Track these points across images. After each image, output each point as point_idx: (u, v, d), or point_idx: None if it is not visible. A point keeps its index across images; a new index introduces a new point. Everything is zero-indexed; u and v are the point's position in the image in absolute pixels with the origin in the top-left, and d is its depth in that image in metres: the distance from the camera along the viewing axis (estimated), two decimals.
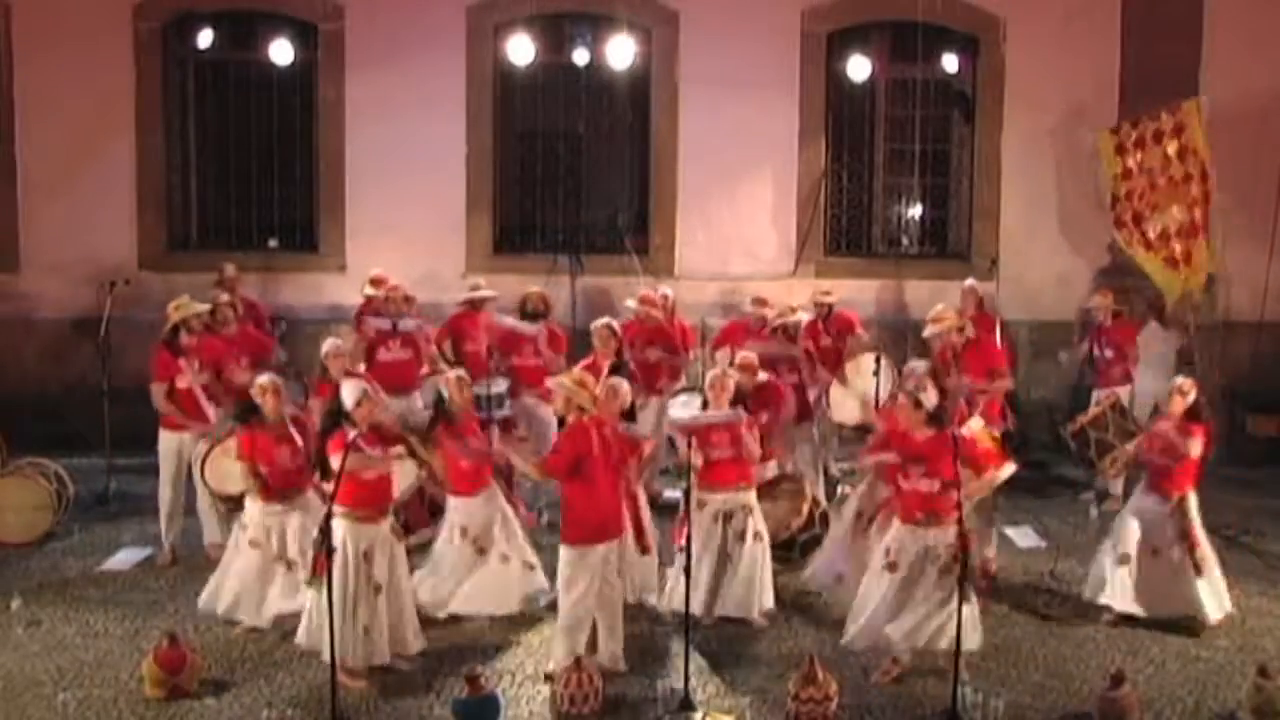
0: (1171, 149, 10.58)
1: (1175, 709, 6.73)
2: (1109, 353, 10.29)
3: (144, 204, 12.03)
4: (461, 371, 8.13)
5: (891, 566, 6.98)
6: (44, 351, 11.83)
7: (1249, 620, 7.89)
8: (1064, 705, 6.76)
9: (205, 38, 11.87)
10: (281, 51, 11.68)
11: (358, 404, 6.86)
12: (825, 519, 8.71)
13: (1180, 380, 7.88)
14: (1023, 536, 9.41)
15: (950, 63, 11.95)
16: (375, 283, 10.30)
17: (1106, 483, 9.89)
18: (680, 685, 6.66)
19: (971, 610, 6.83)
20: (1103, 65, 11.86)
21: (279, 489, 7.44)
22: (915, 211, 12.80)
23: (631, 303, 10.44)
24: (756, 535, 7.71)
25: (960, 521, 6.59)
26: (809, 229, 12.18)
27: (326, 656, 6.39)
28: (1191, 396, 7.72)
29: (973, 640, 6.84)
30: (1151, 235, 10.80)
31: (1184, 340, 10.96)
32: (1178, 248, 10.60)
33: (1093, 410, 8.96)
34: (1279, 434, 11.51)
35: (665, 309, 10.42)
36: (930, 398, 7.06)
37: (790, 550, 8.55)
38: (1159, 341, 10.94)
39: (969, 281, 10.77)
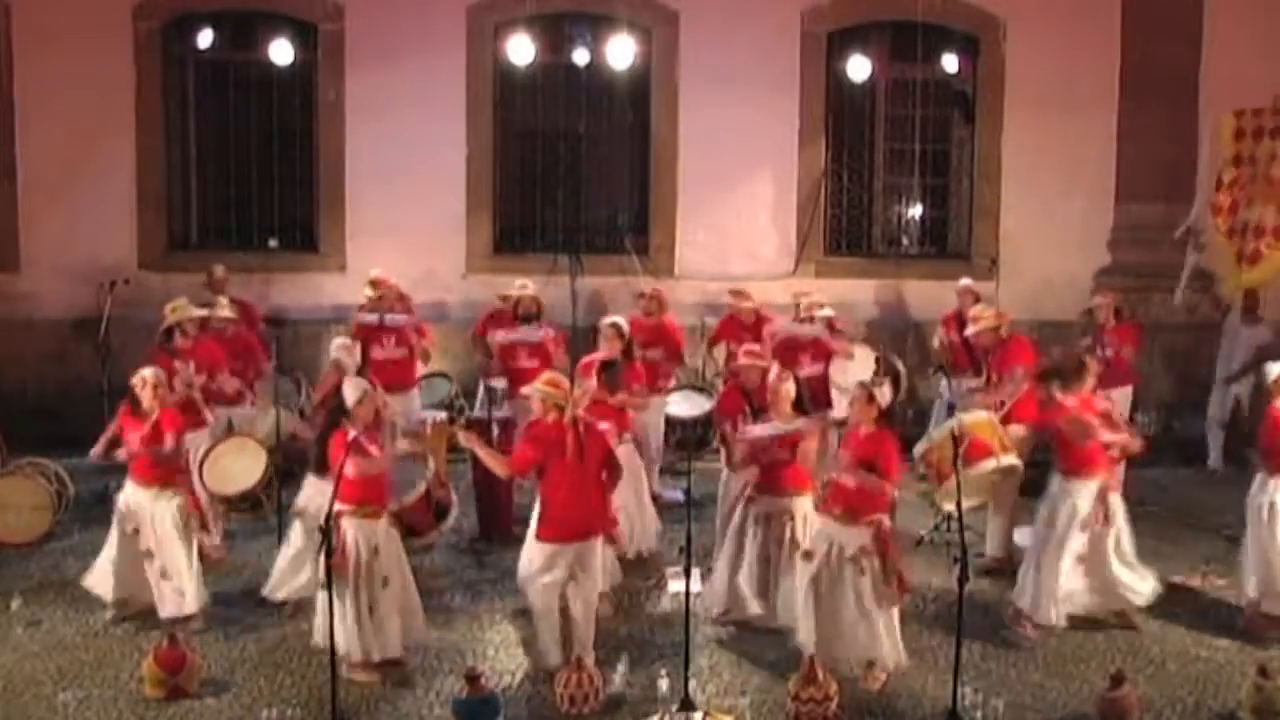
0: None
1: (1175, 709, 6.72)
2: (1109, 353, 10.27)
3: (144, 204, 12.04)
4: None
5: (807, 555, 7.00)
6: (44, 351, 11.83)
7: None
8: (1064, 705, 6.76)
9: (205, 38, 11.88)
10: (281, 51, 11.68)
11: (359, 402, 6.87)
12: None
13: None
14: (1023, 536, 9.38)
15: (950, 63, 11.95)
16: (374, 284, 10.30)
17: None
18: (680, 685, 6.65)
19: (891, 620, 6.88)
20: (1103, 65, 11.88)
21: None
22: (915, 211, 12.81)
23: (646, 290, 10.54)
24: (795, 544, 7.41)
25: (879, 524, 6.75)
26: (809, 229, 12.19)
27: (341, 651, 6.51)
28: None
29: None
30: (1236, 225, 10.73)
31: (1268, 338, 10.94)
32: (1251, 245, 10.54)
33: None
34: None
35: (664, 307, 10.43)
36: (885, 394, 7.04)
37: None
38: (1248, 338, 10.94)
39: (964, 281, 10.77)
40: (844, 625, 6.84)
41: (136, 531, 7.54)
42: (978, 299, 10.51)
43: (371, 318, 9.94)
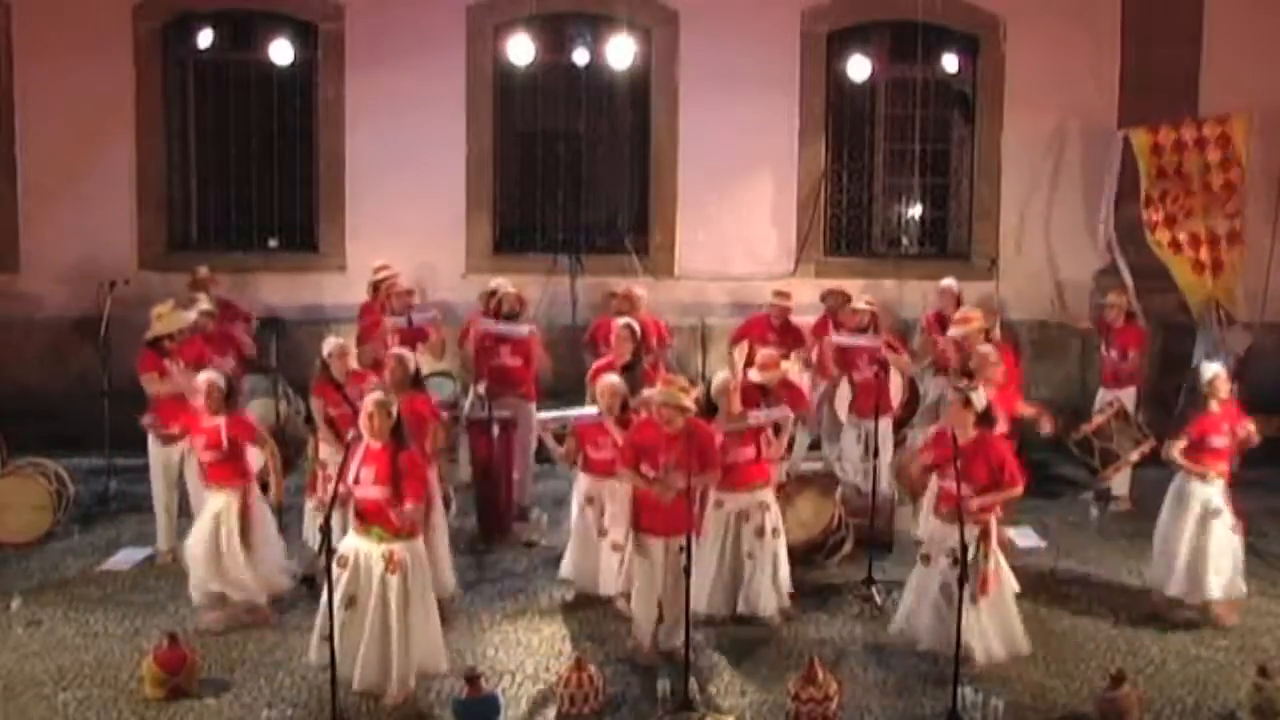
0: (1214, 157, 10.57)
1: (1175, 709, 6.73)
2: (1114, 354, 10.28)
3: (144, 204, 12.03)
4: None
5: (925, 559, 7.15)
6: (44, 351, 11.82)
7: (1249, 620, 7.89)
8: (1064, 705, 6.76)
9: (205, 38, 11.87)
10: (281, 51, 11.68)
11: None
12: (846, 522, 8.79)
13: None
14: (1022, 536, 9.40)
15: (950, 63, 11.95)
16: (379, 271, 10.29)
17: (1109, 484, 9.88)
18: (680, 685, 6.66)
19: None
20: (1103, 66, 11.86)
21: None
22: (915, 211, 12.80)
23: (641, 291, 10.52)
24: (775, 531, 7.72)
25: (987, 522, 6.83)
26: (809, 229, 12.18)
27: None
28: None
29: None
30: (1182, 238, 10.81)
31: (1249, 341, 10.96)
32: (1208, 255, 10.60)
33: (1096, 419, 8.99)
34: (1279, 434, 11.47)
35: (636, 306, 10.36)
36: (981, 397, 7.11)
37: (819, 552, 8.59)
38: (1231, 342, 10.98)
39: (947, 281, 10.74)
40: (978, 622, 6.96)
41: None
42: (960, 301, 10.53)
43: (400, 321, 9.87)
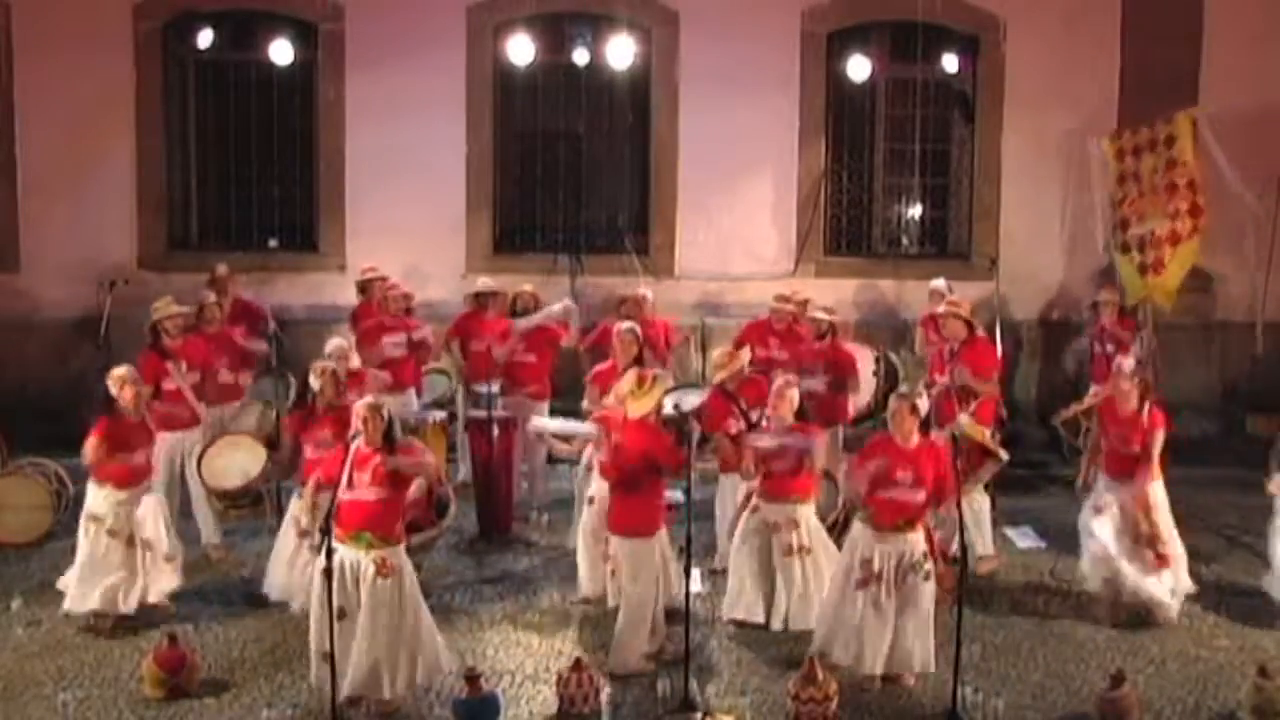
0: (1161, 159, 10.63)
1: (1175, 709, 6.73)
2: (1110, 348, 10.29)
3: (144, 204, 12.04)
4: None
5: (867, 581, 6.83)
6: (44, 351, 11.82)
7: (1249, 620, 7.89)
8: (1064, 705, 6.76)
9: (205, 38, 11.89)
10: (281, 51, 11.70)
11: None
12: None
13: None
14: (1022, 536, 9.41)
15: (950, 63, 11.96)
16: (365, 272, 10.35)
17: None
18: (680, 685, 6.65)
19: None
20: (1103, 66, 11.88)
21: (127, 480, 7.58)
22: (915, 211, 12.81)
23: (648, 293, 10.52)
24: (804, 550, 7.53)
25: (927, 529, 6.74)
26: (809, 229, 12.19)
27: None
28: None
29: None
30: (1131, 240, 10.89)
31: (1150, 346, 10.91)
32: (1151, 255, 10.65)
33: (1087, 400, 8.96)
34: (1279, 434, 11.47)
35: (645, 309, 10.34)
36: (924, 404, 7.01)
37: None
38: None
39: (936, 282, 10.67)
40: (907, 635, 6.80)
41: (117, 534, 7.53)
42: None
43: (397, 337, 9.85)
